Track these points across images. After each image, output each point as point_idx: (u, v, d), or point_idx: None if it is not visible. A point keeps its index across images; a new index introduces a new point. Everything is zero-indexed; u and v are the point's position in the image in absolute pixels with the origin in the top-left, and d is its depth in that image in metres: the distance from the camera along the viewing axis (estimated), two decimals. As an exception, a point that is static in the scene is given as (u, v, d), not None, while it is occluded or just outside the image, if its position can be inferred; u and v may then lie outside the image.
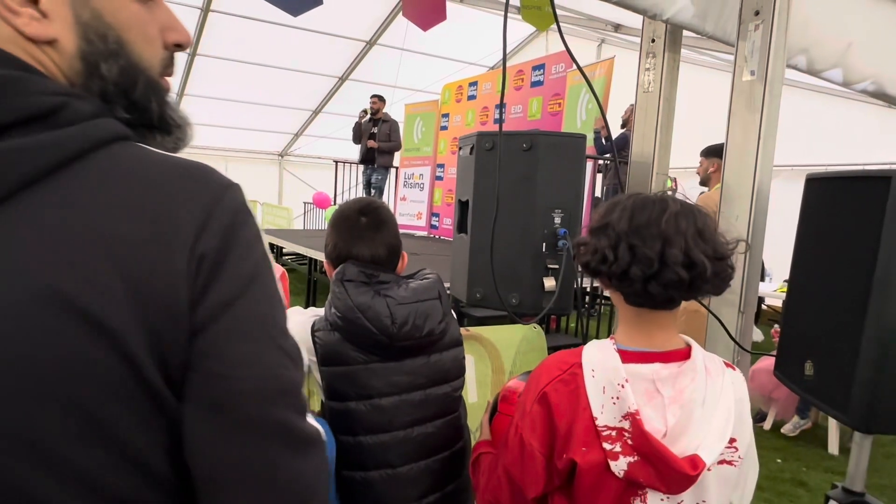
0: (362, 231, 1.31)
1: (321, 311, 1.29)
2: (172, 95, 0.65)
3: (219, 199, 0.55)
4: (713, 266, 0.95)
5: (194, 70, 10.21)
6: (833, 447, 3.78)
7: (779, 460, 3.62)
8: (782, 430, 4.05)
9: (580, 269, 1.05)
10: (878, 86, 2.29)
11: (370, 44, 10.16)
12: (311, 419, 0.59)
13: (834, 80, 2.14)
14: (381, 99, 7.27)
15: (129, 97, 0.60)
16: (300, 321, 1.27)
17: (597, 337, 0.97)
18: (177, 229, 0.52)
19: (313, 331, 1.22)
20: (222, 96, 11.25)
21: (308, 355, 1.23)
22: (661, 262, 0.92)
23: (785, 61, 1.72)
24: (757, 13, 1.67)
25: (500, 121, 1.73)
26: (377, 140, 7.02)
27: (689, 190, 4.21)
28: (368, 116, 7.08)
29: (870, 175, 1.45)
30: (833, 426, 3.83)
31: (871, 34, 2.16)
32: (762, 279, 6.22)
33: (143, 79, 0.61)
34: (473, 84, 8.19)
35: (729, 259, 0.99)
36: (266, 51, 9.90)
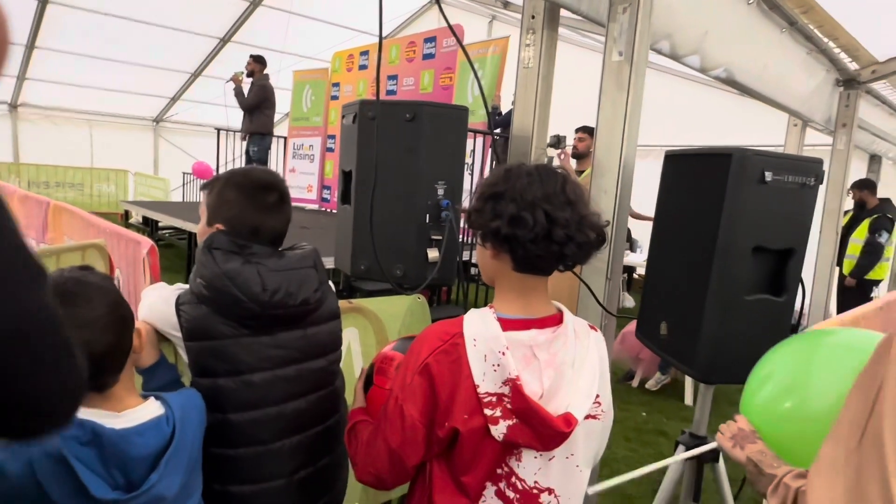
0: (272, 206, 1.23)
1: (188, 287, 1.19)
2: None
3: None
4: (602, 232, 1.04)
5: (47, 19, 8.98)
6: (688, 399, 4.24)
7: (644, 413, 4.00)
8: (647, 386, 4.47)
9: (478, 234, 1.05)
10: (729, 73, 2.52)
11: (255, 4, 9.54)
12: None
13: (693, 65, 2.33)
14: (256, 60, 6.71)
15: None
16: (163, 296, 1.16)
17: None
18: None
19: (178, 305, 1.12)
20: (84, 52, 10.01)
21: (173, 331, 1.15)
22: (576, 225, 0.99)
23: (650, 44, 1.84)
24: (625, -4, 1.76)
25: (377, 81, 1.69)
26: (245, 102, 6.51)
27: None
28: (246, 81, 6.58)
29: (715, 152, 1.61)
30: (689, 380, 4.29)
31: (723, 24, 2.37)
32: (633, 250, 6.78)
33: None
34: (365, 53, 7.99)
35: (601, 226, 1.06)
36: (136, 3, 8.95)
